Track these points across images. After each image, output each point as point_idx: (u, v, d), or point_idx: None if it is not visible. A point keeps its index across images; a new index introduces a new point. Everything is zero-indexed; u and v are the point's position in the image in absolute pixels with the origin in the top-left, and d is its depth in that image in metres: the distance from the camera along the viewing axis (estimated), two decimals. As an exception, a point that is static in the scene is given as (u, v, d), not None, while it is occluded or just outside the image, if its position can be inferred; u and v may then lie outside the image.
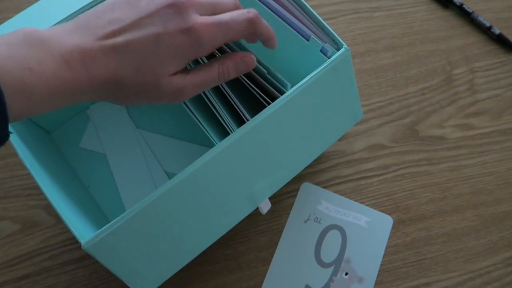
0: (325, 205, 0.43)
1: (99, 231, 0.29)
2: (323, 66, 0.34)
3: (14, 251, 0.41)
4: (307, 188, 0.44)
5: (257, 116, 0.32)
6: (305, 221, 0.42)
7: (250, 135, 0.32)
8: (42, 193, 0.43)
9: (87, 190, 0.42)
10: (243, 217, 0.36)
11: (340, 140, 0.45)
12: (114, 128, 0.45)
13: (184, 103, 0.35)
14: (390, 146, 0.45)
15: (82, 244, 0.29)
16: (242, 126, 0.32)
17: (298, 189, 0.44)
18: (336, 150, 0.45)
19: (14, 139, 0.34)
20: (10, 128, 0.24)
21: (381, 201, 0.43)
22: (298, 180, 0.44)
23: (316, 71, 0.33)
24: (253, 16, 0.29)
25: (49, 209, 0.42)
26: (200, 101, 0.36)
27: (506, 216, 0.43)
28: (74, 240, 0.42)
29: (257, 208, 0.37)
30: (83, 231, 0.31)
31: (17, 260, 0.41)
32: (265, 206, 0.37)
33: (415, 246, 0.42)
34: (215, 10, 0.29)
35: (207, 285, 0.41)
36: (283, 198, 0.43)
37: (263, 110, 0.32)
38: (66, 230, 0.42)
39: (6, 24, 0.36)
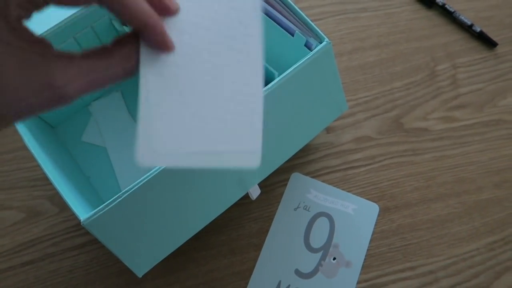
0: (314, 193, 0.45)
1: (98, 209, 0.31)
2: (307, 58, 0.36)
3: (19, 239, 0.43)
4: (297, 178, 0.46)
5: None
6: (295, 209, 0.44)
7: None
8: (46, 184, 0.46)
9: (88, 181, 0.45)
10: (234, 201, 0.39)
11: (328, 132, 0.48)
12: (114, 123, 0.47)
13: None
14: (376, 138, 0.48)
15: (81, 221, 0.31)
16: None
17: (288, 179, 0.46)
18: (325, 142, 0.47)
19: (23, 132, 0.36)
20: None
21: (367, 189, 0.45)
22: (288, 170, 0.46)
23: (300, 62, 0.36)
24: None
25: (53, 199, 0.45)
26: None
27: (488, 203, 0.45)
28: (76, 228, 0.44)
29: (249, 196, 0.40)
30: (83, 212, 0.33)
31: (22, 247, 0.43)
32: (255, 192, 0.40)
33: (401, 232, 0.44)
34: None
35: (201, 270, 0.43)
36: (274, 188, 0.45)
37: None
38: (69, 219, 0.44)
39: None
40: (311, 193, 0.45)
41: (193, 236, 0.43)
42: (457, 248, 0.43)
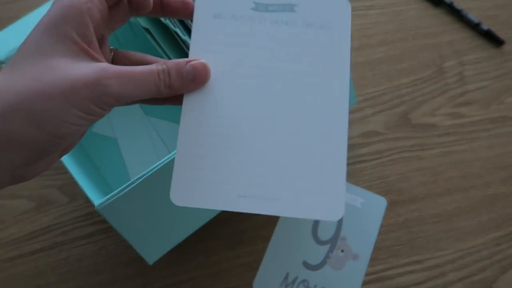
0: None
1: (112, 194, 0.32)
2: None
3: (29, 227, 0.44)
4: None
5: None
6: None
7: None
8: (56, 174, 0.46)
9: (98, 171, 0.45)
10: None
11: (336, 127, 0.48)
12: (125, 115, 0.48)
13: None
14: (384, 132, 0.48)
15: (95, 205, 0.31)
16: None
17: (296, 172, 0.46)
18: (333, 136, 0.48)
19: None
20: None
21: (375, 183, 0.46)
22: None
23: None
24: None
25: (63, 188, 0.45)
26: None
27: (495, 198, 0.45)
28: (85, 217, 0.44)
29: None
30: (96, 199, 0.34)
31: (32, 235, 0.43)
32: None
33: (408, 226, 0.44)
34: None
35: (209, 260, 0.43)
36: (282, 180, 0.46)
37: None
38: (78, 208, 0.45)
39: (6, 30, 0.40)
40: None
41: (201, 228, 0.43)
42: (463, 242, 0.43)
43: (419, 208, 0.45)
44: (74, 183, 0.46)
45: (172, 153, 0.33)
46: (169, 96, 0.25)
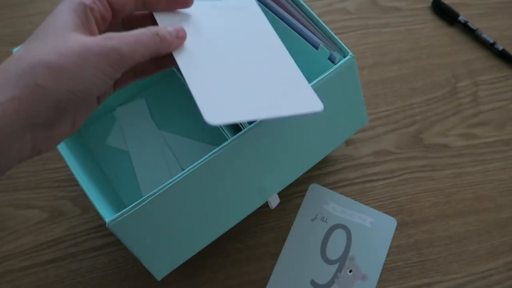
0: (332, 205, 0.45)
1: (123, 211, 0.32)
2: (330, 71, 0.37)
3: (41, 237, 0.44)
4: (315, 188, 0.46)
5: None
6: (312, 220, 0.45)
7: (261, 132, 0.35)
8: (70, 186, 0.47)
9: (110, 184, 0.46)
10: (254, 209, 0.39)
11: (347, 145, 0.48)
12: (138, 129, 0.49)
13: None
14: (395, 152, 0.48)
15: (106, 222, 0.32)
16: (253, 123, 0.35)
17: (306, 190, 0.46)
18: (344, 154, 0.48)
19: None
20: None
21: (385, 203, 0.45)
22: (306, 181, 0.46)
23: (323, 75, 0.37)
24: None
25: (76, 200, 0.46)
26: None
27: (508, 222, 0.44)
28: (97, 229, 0.45)
29: (267, 205, 0.40)
30: (107, 214, 0.34)
31: (44, 246, 0.44)
32: (274, 201, 0.40)
33: (418, 248, 0.44)
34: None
35: (217, 276, 0.43)
36: (292, 198, 0.46)
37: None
38: (90, 220, 0.45)
39: None
40: (328, 205, 0.45)
41: (210, 244, 0.44)
42: (475, 266, 0.43)
43: (430, 229, 0.44)
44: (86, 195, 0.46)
45: (183, 171, 0.33)
46: (163, 57, 0.30)
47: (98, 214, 0.45)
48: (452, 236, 0.44)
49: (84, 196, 0.46)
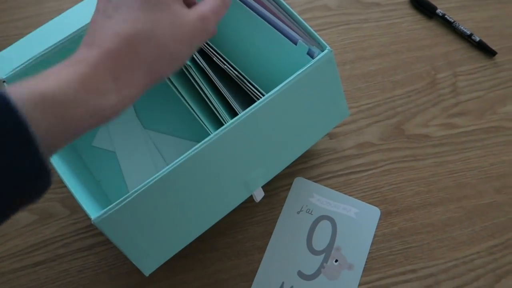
0: (317, 197, 0.46)
1: (108, 208, 0.33)
2: (309, 65, 0.38)
3: (31, 239, 0.45)
4: (300, 182, 0.47)
5: (249, 108, 0.36)
6: (298, 212, 0.45)
7: (242, 126, 0.36)
8: (58, 187, 0.47)
9: (98, 184, 0.47)
10: (239, 203, 0.40)
11: (331, 138, 0.49)
12: (124, 129, 0.49)
13: (183, 97, 0.40)
14: (377, 143, 0.49)
15: (92, 219, 0.33)
16: (234, 118, 0.36)
17: (291, 183, 0.47)
18: (328, 147, 0.49)
19: None
20: None
21: (369, 194, 0.46)
22: (291, 174, 0.47)
23: (302, 70, 0.37)
24: None
25: (65, 201, 0.47)
26: (196, 95, 0.40)
27: (489, 208, 0.46)
28: (85, 230, 0.45)
29: (253, 199, 0.41)
30: (94, 212, 0.35)
31: (34, 248, 0.45)
32: (259, 195, 0.41)
33: (402, 236, 0.45)
34: None
35: (207, 271, 0.44)
36: (278, 192, 0.47)
37: (255, 104, 0.36)
38: (79, 221, 0.46)
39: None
40: (314, 197, 0.46)
41: (198, 238, 0.44)
42: (458, 251, 0.44)
43: (413, 217, 0.45)
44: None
45: (167, 167, 0.34)
46: None
47: (86, 214, 0.46)
48: (434, 224, 0.45)
49: (73, 197, 0.47)
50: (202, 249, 0.44)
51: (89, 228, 0.45)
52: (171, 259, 0.43)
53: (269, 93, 0.36)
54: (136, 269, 0.44)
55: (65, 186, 0.47)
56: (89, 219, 0.46)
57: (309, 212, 0.45)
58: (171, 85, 0.41)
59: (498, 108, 0.50)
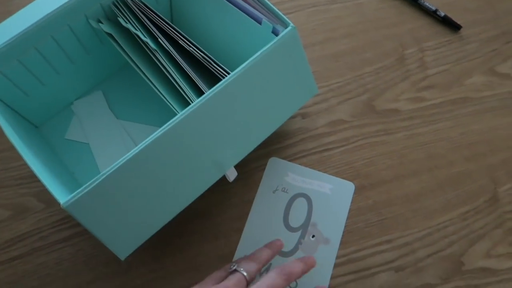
0: (292, 176, 0.47)
1: (77, 191, 0.33)
2: (273, 42, 0.38)
3: (6, 235, 0.44)
4: (274, 162, 0.47)
5: (214, 87, 0.36)
6: (274, 192, 0.46)
7: (209, 105, 0.36)
8: (32, 182, 0.47)
9: (73, 176, 0.46)
10: (212, 183, 0.40)
11: (303, 118, 0.50)
12: (96, 120, 0.49)
13: (151, 81, 0.40)
14: (349, 120, 0.49)
15: (61, 204, 0.32)
16: (201, 97, 0.36)
17: (266, 164, 0.47)
18: (301, 127, 0.49)
19: (8, 132, 0.37)
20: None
21: (343, 169, 0.47)
22: (266, 155, 0.48)
23: (266, 47, 0.38)
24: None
25: (39, 195, 0.46)
26: (164, 79, 0.40)
27: (459, 176, 0.47)
28: (61, 222, 0.45)
29: (229, 182, 0.41)
30: (63, 197, 0.34)
31: (10, 243, 0.44)
32: (232, 174, 0.41)
33: (377, 208, 0.45)
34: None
35: (186, 255, 0.44)
36: (253, 173, 0.47)
37: (220, 82, 0.36)
38: (54, 213, 0.45)
39: None
40: (288, 176, 0.47)
41: (176, 223, 0.45)
42: (431, 219, 0.45)
43: (386, 190, 0.46)
44: (50, 189, 0.46)
45: (136, 147, 0.34)
46: None
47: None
48: (408, 194, 0.46)
49: (47, 190, 0.46)
50: (180, 234, 0.44)
51: (65, 220, 0.45)
52: (149, 246, 0.44)
53: (234, 71, 0.37)
54: (114, 257, 0.44)
55: (38, 181, 0.47)
56: (65, 211, 0.45)
57: (285, 190, 0.46)
58: (138, 70, 0.41)
59: (464, 80, 0.51)
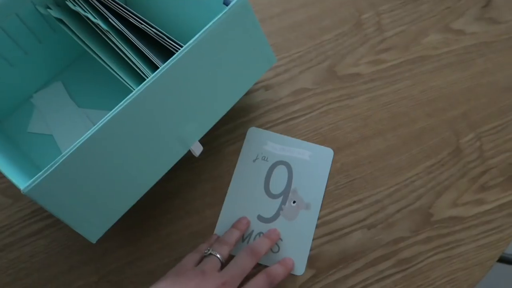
0: (271, 145, 0.47)
1: (36, 176, 0.32)
2: (223, 12, 0.38)
3: (-24, 234, 0.44)
4: (253, 132, 0.48)
5: (168, 61, 0.36)
6: (254, 161, 0.46)
7: (165, 79, 0.36)
8: (-3, 178, 0.46)
9: (39, 169, 0.46)
10: (178, 159, 0.40)
11: (266, 90, 0.50)
12: (58, 111, 0.48)
13: (102, 59, 0.39)
14: (312, 88, 0.50)
15: (21, 190, 0.32)
16: (155, 72, 0.36)
17: (234, 138, 0.47)
18: (265, 99, 0.49)
19: None
20: None
21: (310, 136, 0.48)
22: (232, 130, 0.48)
23: (218, 17, 0.38)
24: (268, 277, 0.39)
25: (6, 191, 0.45)
26: (120, 60, 0.40)
27: (422, 131, 0.48)
28: (32, 215, 0.45)
29: (198, 159, 0.41)
30: (23, 183, 0.34)
31: (-20, 241, 0.43)
32: (197, 149, 0.41)
33: (345, 170, 0.46)
34: (243, 277, 0.38)
35: (160, 235, 0.44)
36: (221, 148, 0.47)
37: (174, 55, 0.36)
38: (23, 208, 0.45)
39: None
40: (268, 145, 0.47)
41: (148, 205, 0.45)
42: (398, 176, 0.46)
43: (353, 152, 0.47)
44: (16, 184, 0.46)
45: (94, 126, 0.34)
46: None
47: (30, 200, 0.45)
48: (374, 154, 0.47)
49: (14, 185, 0.46)
50: (153, 215, 0.44)
51: (35, 213, 0.45)
52: (124, 229, 0.44)
53: (187, 44, 0.37)
54: (89, 244, 0.43)
55: (3, 177, 0.46)
56: (34, 204, 0.45)
57: (265, 159, 0.46)
58: (93, 54, 0.41)
59: (421, 39, 0.52)
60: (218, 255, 0.39)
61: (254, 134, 0.47)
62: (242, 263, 0.39)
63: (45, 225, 0.44)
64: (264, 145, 0.47)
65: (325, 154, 0.47)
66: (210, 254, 0.39)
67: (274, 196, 0.45)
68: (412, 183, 0.46)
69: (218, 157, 0.47)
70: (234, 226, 0.43)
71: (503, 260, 0.72)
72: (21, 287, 0.42)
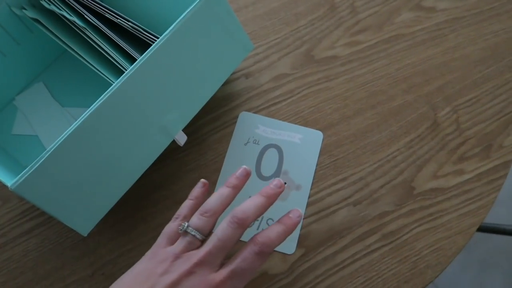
0: (262, 128, 0.48)
1: (23, 172, 0.33)
2: (197, 2, 0.39)
3: (-33, 238, 0.44)
4: (245, 116, 0.48)
5: (146, 52, 0.37)
6: (245, 144, 0.47)
7: (144, 71, 0.37)
8: (-16, 182, 0.46)
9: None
10: (162, 150, 0.41)
11: (247, 78, 0.51)
12: (42, 111, 0.49)
13: (80, 56, 0.40)
14: (291, 73, 0.51)
15: (9, 186, 0.33)
16: (134, 64, 0.36)
17: (217, 127, 0.48)
18: (245, 87, 0.50)
19: None
20: None
21: (292, 120, 0.49)
22: (215, 119, 0.49)
23: (191, 7, 0.38)
24: (260, 248, 0.33)
25: (-6, 194, 0.46)
26: (95, 53, 0.40)
27: (401, 108, 0.49)
28: (22, 215, 0.45)
29: (184, 149, 0.42)
30: (10, 180, 0.35)
31: (-28, 245, 0.44)
32: (181, 138, 0.42)
33: (328, 150, 0.47)
34: (224, 253, 0.33)
35: (150, 226, 0.45)
36: (205, 137, 0.48)
37: (151, 46, 0.37)
38: (13, 209, 0.45)
39: None
40: (259, 128, 0.48)
41: (137, 197, 0.45)
42: (380, 153, 0.47)
43: (335, 132, 0.48)
44: (4, 186, 0.46)
45: (76, 121, 0.34)
46: None
47: (20, 201, 0.45)
48: (355, 133, 0.48)
49: (2, 187, 0.46)
50: (141, 207, 0.45)
51: (25, 213, 0.45)
52: (114, 222, 0.44)
53: (163, 35, 0.37)
54: (80, 240, 0.44)
55: (-9, 179, 0.46)
56: (23, 204, 0.45)
57: (256, 142, 0.47)
58: (72, 51, 0.41)
59: (394, 19, 0.54)
60: (195, 233, 0.33)
61: (246, 118, 0.48)
62: (223, 235, 0.32)
63: (35, 224, 0.45)
64: (256, 128, 0.48)
65: (315, 137, 0.48)
66: (186, 232, 0.33)
67: (265, 178, 0.46)
68: (393, 158, 0.47)
69: (203, 146, 0.48)
70: (225, 184, 0.36)
71: (480, 229, 0.74)
72: (16, 286, 0.43)
